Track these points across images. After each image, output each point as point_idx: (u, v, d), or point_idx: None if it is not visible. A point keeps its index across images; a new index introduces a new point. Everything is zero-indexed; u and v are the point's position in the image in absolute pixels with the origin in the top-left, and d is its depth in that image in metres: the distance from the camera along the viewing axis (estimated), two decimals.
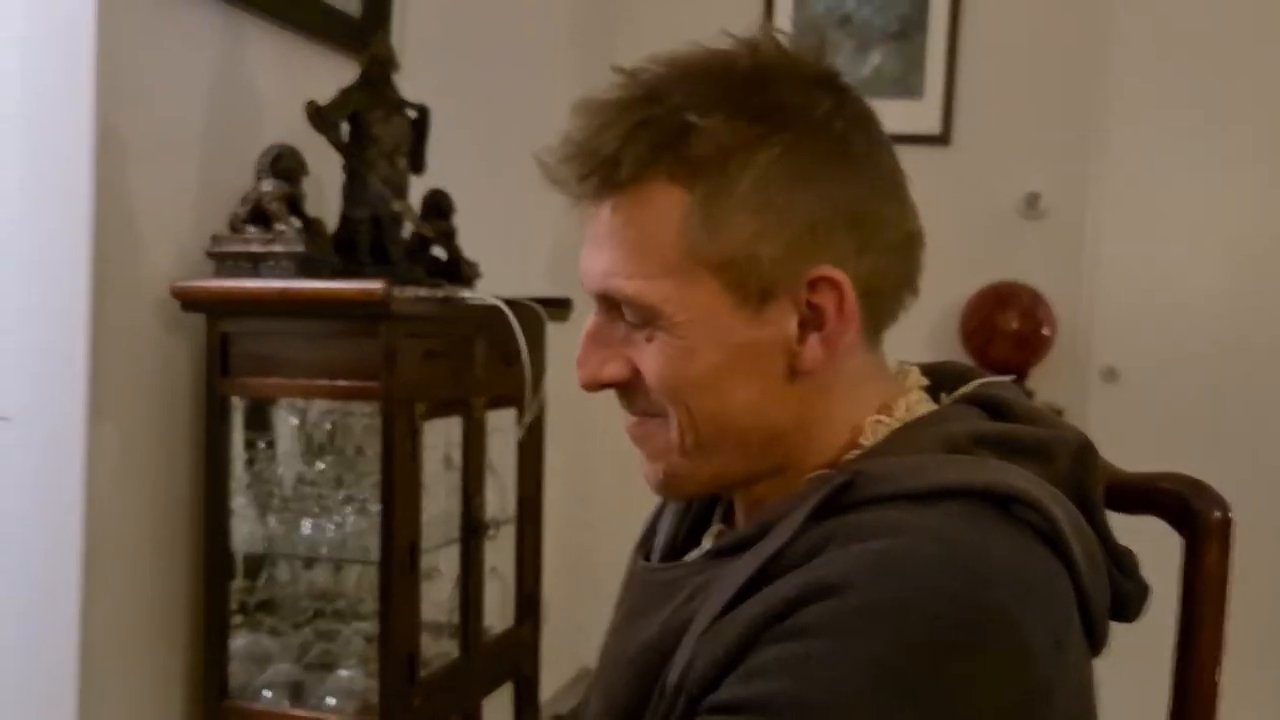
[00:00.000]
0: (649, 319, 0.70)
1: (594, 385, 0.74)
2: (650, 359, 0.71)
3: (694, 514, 0.83)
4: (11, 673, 1.50)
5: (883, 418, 0.72)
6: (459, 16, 2.27)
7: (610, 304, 0.72)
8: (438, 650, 1.73)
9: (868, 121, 0.73)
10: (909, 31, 3.01)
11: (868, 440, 0.71)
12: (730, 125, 0.68)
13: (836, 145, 0.70)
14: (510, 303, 1.67)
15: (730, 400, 0.70)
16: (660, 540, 0.84)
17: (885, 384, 0.75)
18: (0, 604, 1.49)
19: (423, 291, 1.54)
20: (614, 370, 0.73)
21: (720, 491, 0.79)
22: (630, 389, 0.73)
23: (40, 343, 1.45)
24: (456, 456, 1.70)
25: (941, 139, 2.97)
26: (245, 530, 1.62)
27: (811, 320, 0.69)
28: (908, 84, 2.99)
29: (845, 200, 0.70)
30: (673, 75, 0.71)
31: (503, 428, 1.79)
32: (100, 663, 1.48)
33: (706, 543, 0.79)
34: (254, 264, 1.51)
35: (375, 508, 1.55)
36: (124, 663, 1.54)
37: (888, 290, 0.72)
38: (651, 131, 0.68)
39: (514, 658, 1.90)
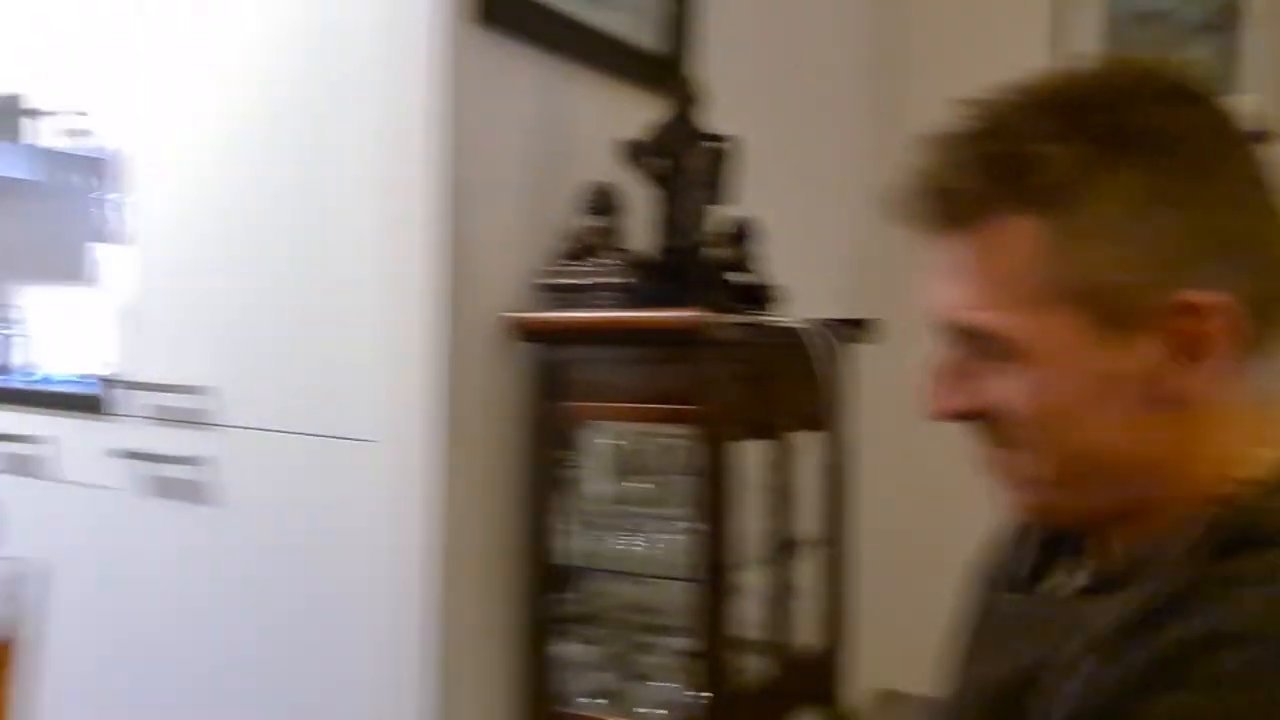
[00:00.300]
0: (1004, 351, 0.69)
1: (943, 417, 0.74)
2: (1006, 392, 0.70)
3: (1046, 543, 0.81)
4: (371, 671, 1.67)
5: (1266, 449, 0.68)
6: (759, 47, 2.33)
7: (960, 336, 0.72)
8: (749, 667, 1.76)
9: (1228, 132, 0.70)
10: (1225, 24, 2.79)
11: (1248, 473, 0.68)
12: (1080, 151, 0.66)
13: (1194, 162, 0.67)
14: (814, 325, 1.69)
15: (1093, 432, 0.69)
16: (1009, 569, 0.83)
17: (1267, 412, 0.71)
18: (363, 611, 1.67)
19: (736, 318, 1.59)
20: (964, 403, 0.73)
21: (1086, 524, 0.77)
22: (983, 421, 0.73)
23: (397, 372, 1.62)
24: (766, 477, 1.74)
25: (1266, 136, 2.72)
26: (568, 545, 1.73)
27: (1178, 347, 0.67)
28: (1224, 79, 2.77)
29: (1208, 220, 0.66)
30: (1018, 103, 0.70)
31: (812, 448, 1.81)
32: (451, 664, 1.63)
33: (1066, 576, 0.78)
34: (579, 295, 1.61)
35: (689, 526, 1.62)
36: (471, 665, 1.68)
37: (1265, 311, 0.68)
38: (1000, 163, 0.68)
39: (823, 677, 1.92)
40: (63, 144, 2.41)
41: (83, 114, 2.35)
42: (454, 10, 1.60)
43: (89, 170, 2.65)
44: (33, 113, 2.42)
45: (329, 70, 1.70)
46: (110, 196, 2.27)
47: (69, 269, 2.78)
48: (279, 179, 1.76)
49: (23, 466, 2.11)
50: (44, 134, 2.43)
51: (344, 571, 1.69)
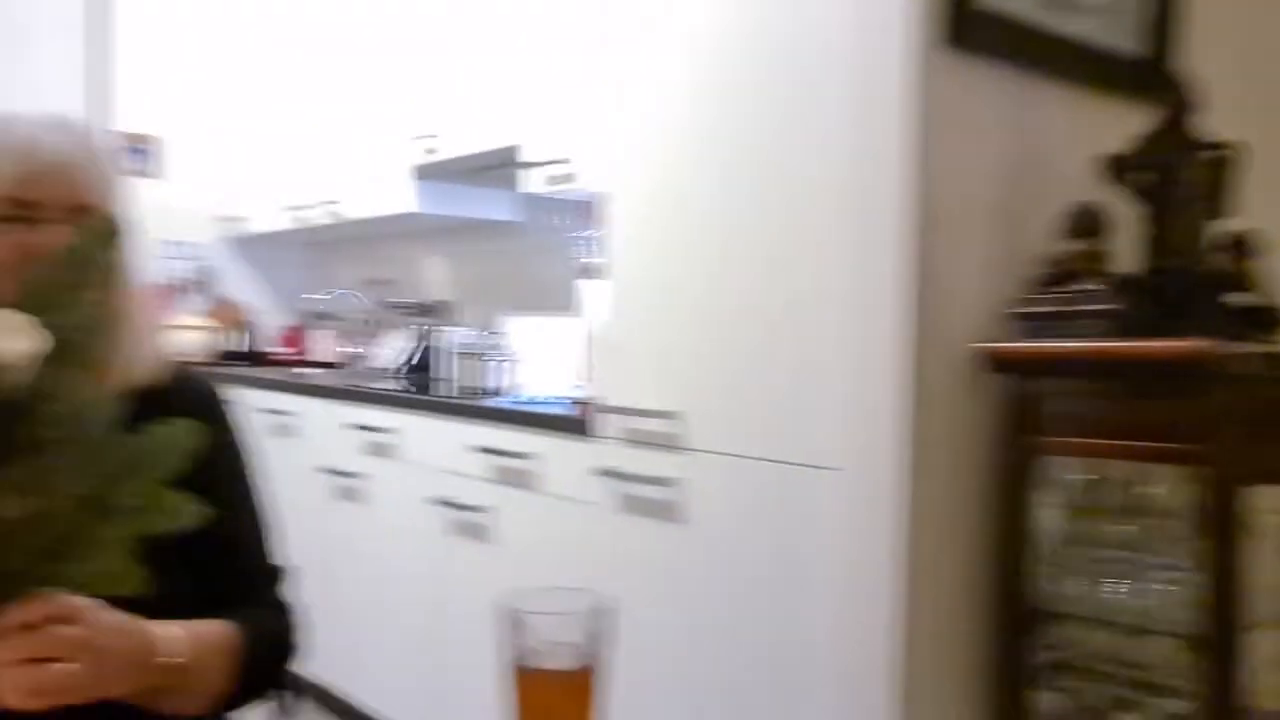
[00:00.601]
0: None
1: None
2: None
3: None
4: (829, 702, 1.67)
5: None
6: (1257, 39, 2.08)
7: None
8: None
9: None
10: None
11: None
12: None
13: None
14: None
15: None
16: None
17: None
18: (822, 640, 1.68)
19: (1249, 347, 1.42)
20: None
21: None
22: None
23: (863, 401, 1.62)
24: None
25: None
26: (1038, 588, 1.63)
27: None
28: None
29: None
30: None
31: None
32: (913, 705, 1.59)
33: None
34: (1061, 324, 1.52)
35: (1185, 577, 1.46)
36: (934, 708, 1.63)
37: None
38: None
39: None
40: (547, 189, 2.67)
41: (565, 160, 2.58)
42: (922, 35, 1.58)
43: (570, 212, 2.92)
44: (526, 164, 2.71)
45: (796, 101, 1.74)
46: (588, 234, 2.48)
47: (552, 301, 3.08)
48: (745, 209, 1.82)
49: (514, 479, 2.36)
50: (532, 181, 2.71)
51: (804, 597, 1.71)
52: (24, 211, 1.00)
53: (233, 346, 4.19)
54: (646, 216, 2.02)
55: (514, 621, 0.72)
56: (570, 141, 2.58)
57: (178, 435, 0.75)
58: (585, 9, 2.54)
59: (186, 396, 1.14)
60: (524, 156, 2.72)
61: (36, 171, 1.01)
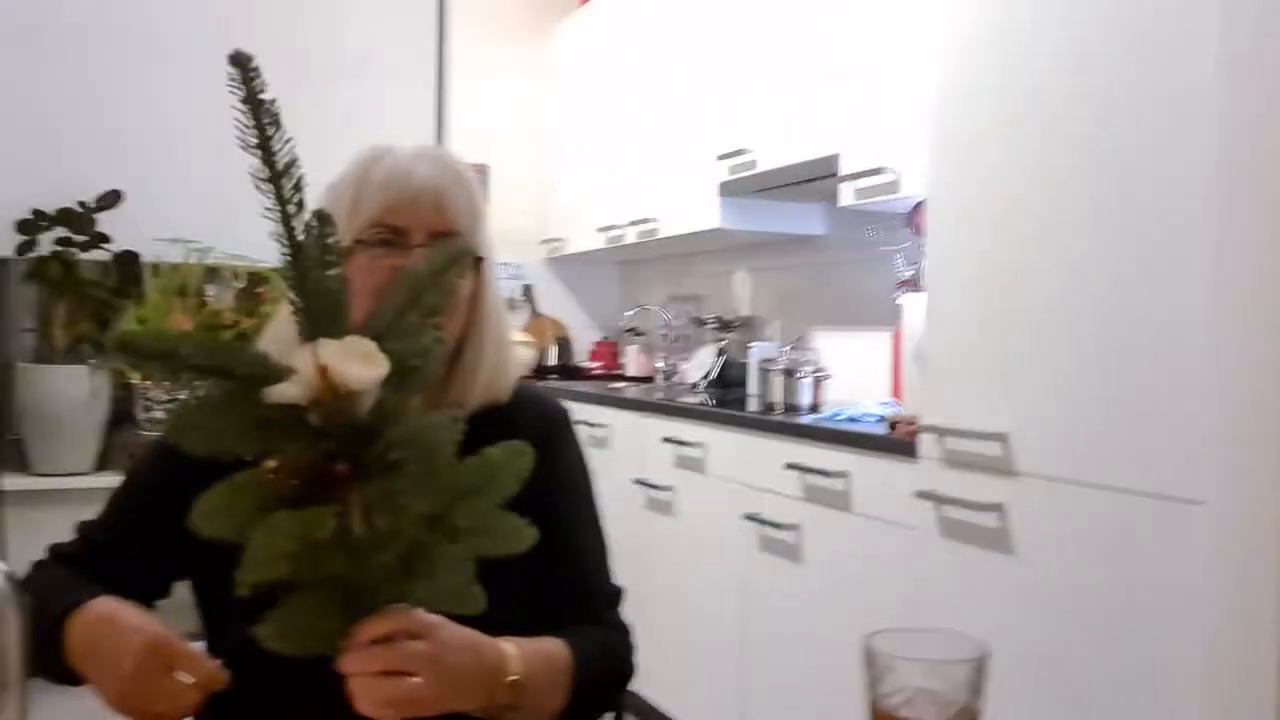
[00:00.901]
0: None
1: None
2: None
3: None
4: None
5: None
6: None
7: None
8: None
9: None
10: None
11: None
12: None
13: None
14: None
15: None
16: None
17: None
18: (1177, 698, 1.50)
19: None
20: None
21: None
22: None
23: (1235, 426, 1.43)
24: None
25: None
26: None
27: None
28: None
29: None
30: None
31: None
32: None
33: None
34: None
35: None
36: None
37: None
38: None
39: None
40: (857, 201, 2.59)
41: (883, 171, 2.49)
42: None
43: (882, 223, 2.82)
44: (842, 177, 2.63)
45: (1153, 89, 1.57)
46: (904, 245, 2.38)
47: (861, 314, 2.99)
48: (1088, 212, 1.66)
49: (825, 498, 2.29)
50: (845, 192, 2.63)
51: (1156, 645, 1.53)
52: (394, 236, 1.06)
53: (550, 361, 4.40)
54: (970, 225, 1.89)
55: (881, 664, 0.66)
56: (886, 151, 2.48)
57: (513, 458, 0.75)
58: (904, 14, 2.45)
59: (531, 416, 1.16)
60: (841, 167, 2.65)
61: (407, 199, 1.06)
